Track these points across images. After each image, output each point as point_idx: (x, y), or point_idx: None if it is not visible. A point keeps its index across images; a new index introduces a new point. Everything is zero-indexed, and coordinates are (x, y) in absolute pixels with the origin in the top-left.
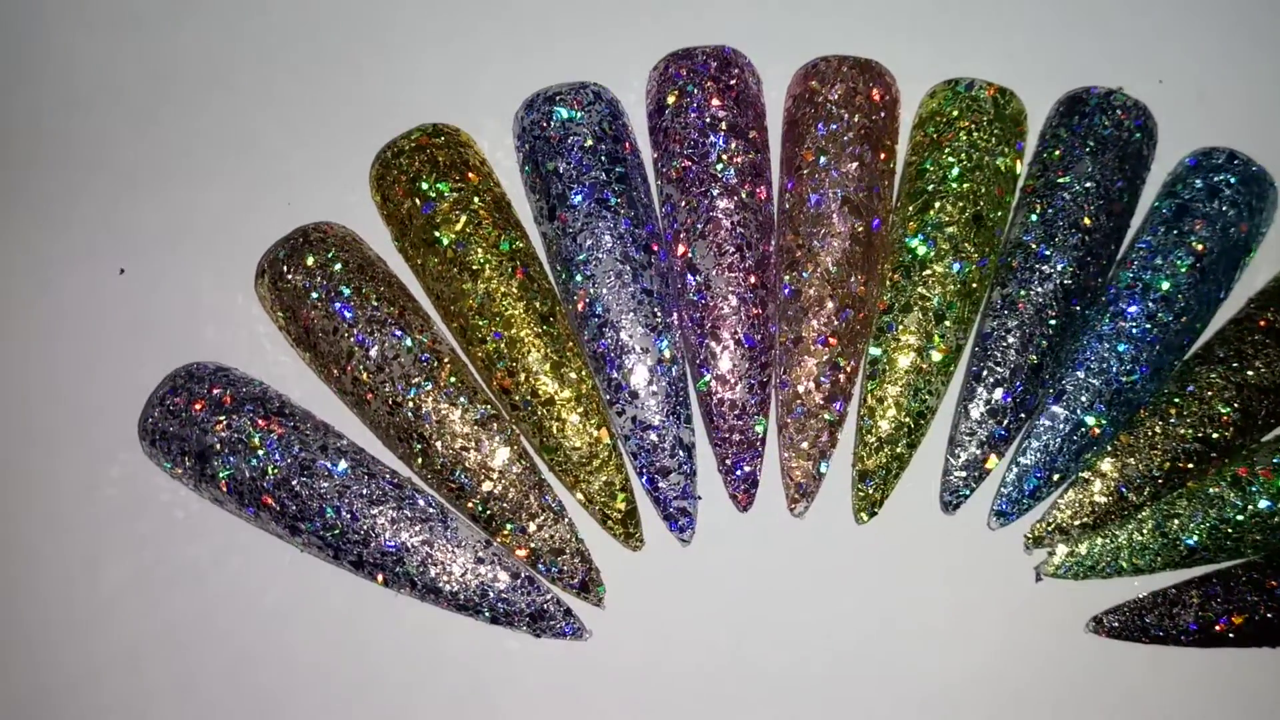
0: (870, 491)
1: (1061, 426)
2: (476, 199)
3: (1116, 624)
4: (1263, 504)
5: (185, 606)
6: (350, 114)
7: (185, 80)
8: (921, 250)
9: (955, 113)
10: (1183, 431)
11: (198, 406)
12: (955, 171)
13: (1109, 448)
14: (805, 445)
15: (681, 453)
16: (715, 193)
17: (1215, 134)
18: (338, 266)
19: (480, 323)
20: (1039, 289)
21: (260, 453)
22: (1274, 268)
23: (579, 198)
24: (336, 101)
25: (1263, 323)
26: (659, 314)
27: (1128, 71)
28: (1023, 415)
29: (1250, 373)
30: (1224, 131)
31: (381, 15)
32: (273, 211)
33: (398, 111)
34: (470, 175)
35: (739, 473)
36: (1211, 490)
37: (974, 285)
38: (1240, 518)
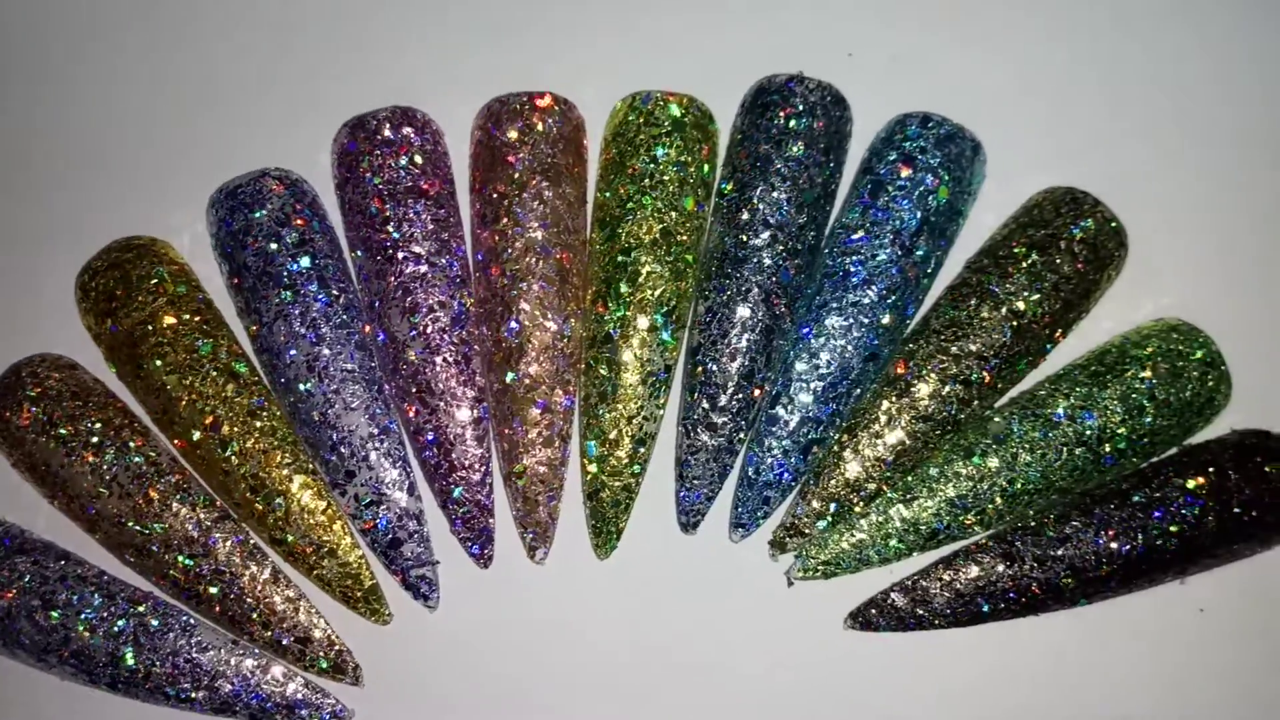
0: (606, 525)
1: (784, 429)
2: (170, 308)
3: (870, 616)
4: (992, 463)
5: None
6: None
7: None
8: (617, 276)
9: (638, 128)
10: (906, 418)
11: None
12: (640, 189)
13: (835, 443)
14: (534, 490)
15: (411, 523)
16: (401, 257)
17: (917, 98)
18: (53, 400)
19: (194, 425)
20: (740, 297)
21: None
22: (994, 223)
23: (272, 289)
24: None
25: (978, 284)
26: (367, 391)
27: (815, 49)
28: (744, 424)
29: (973, 346)
30: (927, 93)
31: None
32: None
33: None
34: (163, 286)
35: (474, 549)
36: (945, 468)
37: (675, 303)
38: (978, 487)
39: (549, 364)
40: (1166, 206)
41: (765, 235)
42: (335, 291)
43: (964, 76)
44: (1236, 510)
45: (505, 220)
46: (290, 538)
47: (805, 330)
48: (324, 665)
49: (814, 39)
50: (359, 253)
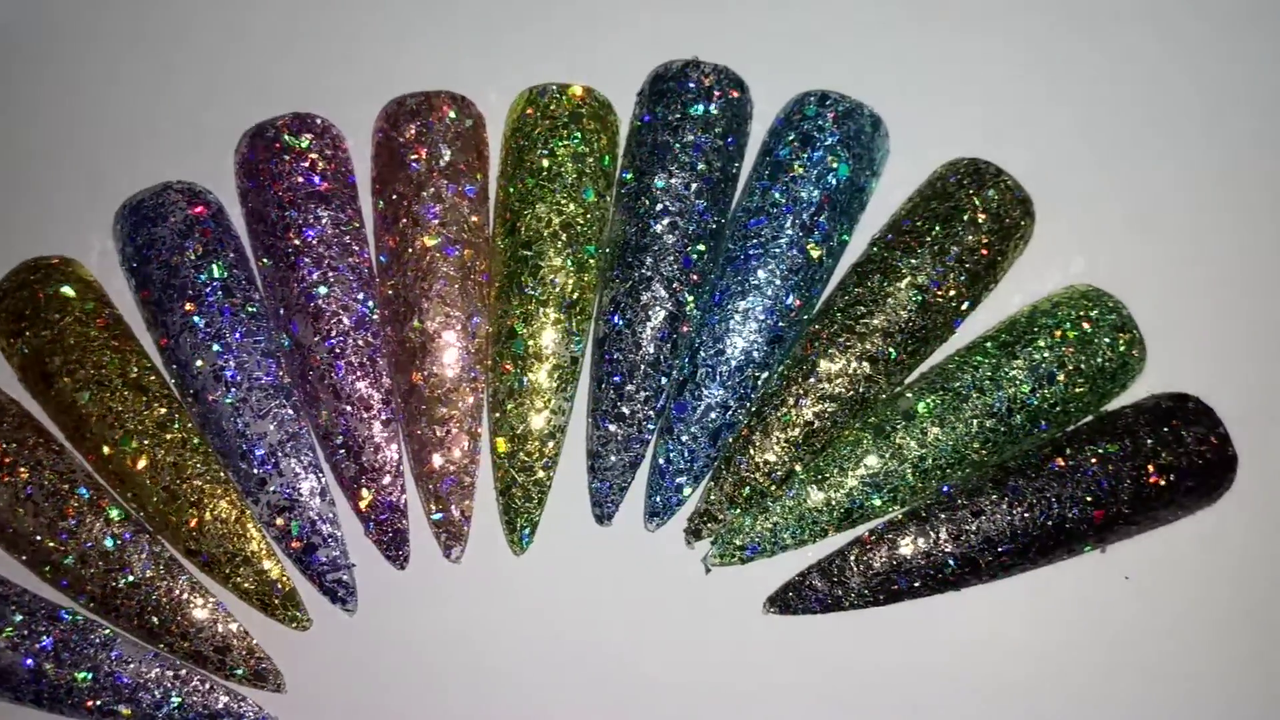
0: (520, 521)
1: (693, 416)
2: (78, 325)
3: (789, 600)
4: (903, 439)
5: None
6: None
7: None
8: (519, 271)
9: (536, 121)
10: (814, 399)
11: None
12: (539, 182)
13: (745, 428)
14: (446, 490)
15: (325, 527)
16: (303, 263)
17: (822, 78)
18: None
19: (105, 440)
20: (644, 285)
21: None
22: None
23: (177, 301)
24: None
25: (882, 260)
26: (276, 398)
27: (716, 34)
28: (652, 413)
29: (879, 323)
30: (832, 73)
31: None
32: None
33: None
34: (71, 304)
35: (392, 550)
36: (855, 447)
37: (577, 295)
38: (889, 464)
39: (455, 362)
40: (1075, 174)
41: (667, 222)
42: (241, 300)
43: (871, 54)
44: (1155, 476)
45: (405, 221)
46: (205, 548)
47: (711, 316)
48: (243, 674)
49: (715, 23)
50: (264, 260)
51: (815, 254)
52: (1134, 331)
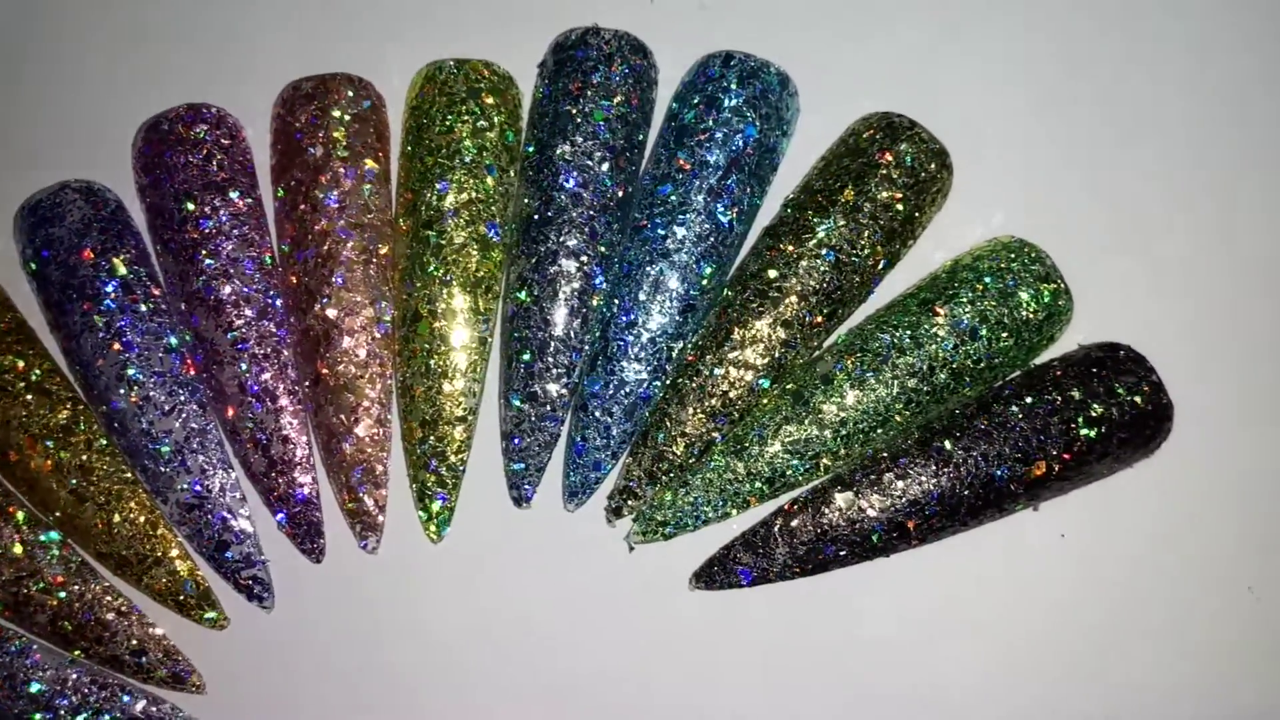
0: (438, 506)
1: (609, 392)
2: None
3: (715, 574)
4: (823, 404)
5: None
6: None
7: None
8: (422, 251)
9: (434, 98)
10: (730, 368)
11: None
12: (439, 160)
13: (661, 401)
14: (358, 479)
15: (237, 524)
16: (202, 255)
17: (734, 40)
18: None
19: (9, 445)
20: (550, 260)
21: None
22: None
23: (78, 301)
24: None
25: (794, 221)
26: (181, 395)
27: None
28: (567, 389)
29: (794, 286)
30: (743, 35)
31: None
32: None
33: None
34: None
35: (307, 544)
36: (774, 414)
37: (482, 274)
38: (809, 431)
39: (361, 349)
40: (995, 125)
41: (571, 194)
42: (142, 297)
43: (780, 11)
44: (1086, 429)
45: (304, 207)
46: (116, 550)
47: (621, 288)
48: (162, 676)
49: None
50: (165, 255)
51: (726, 219)
52: (1059, 281)
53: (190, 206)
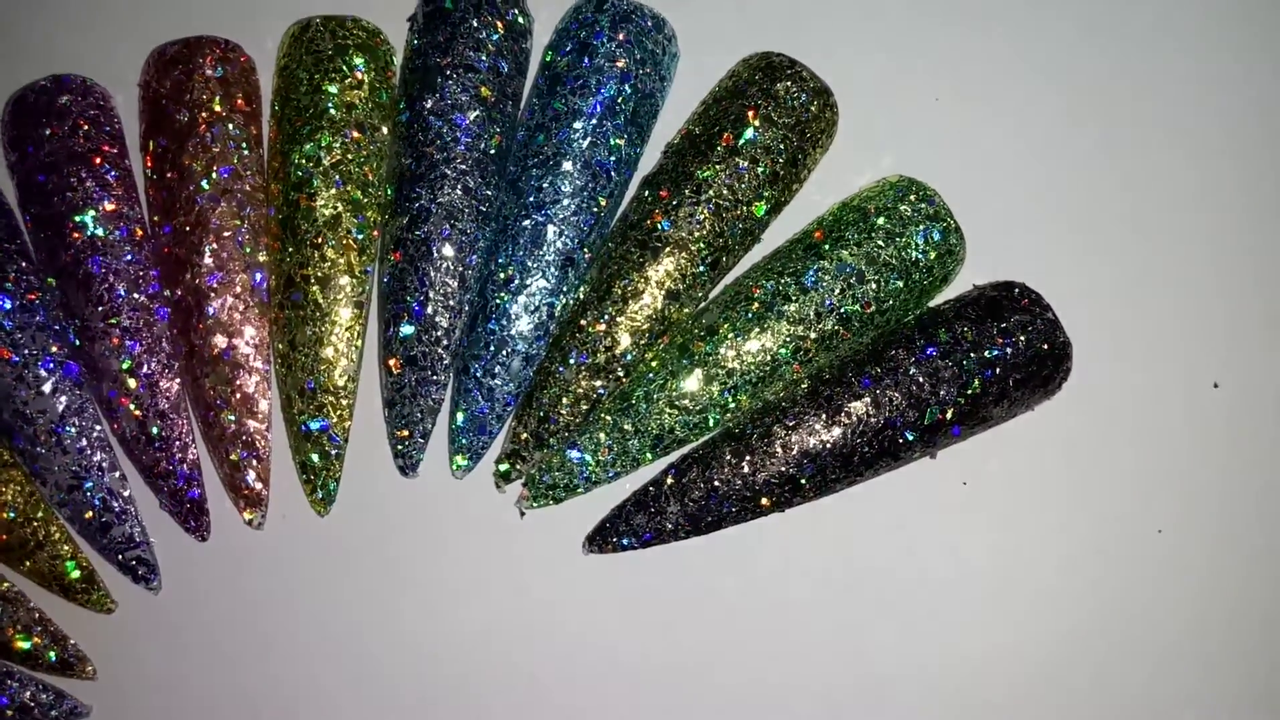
0: (319, 481)
1: (491, 353)
2: None
3: (608, 536)
4: (709, 356)
5: None
6: None
7: None
8: (293, 214)
9: (300, 58)
10: (614, 323)
11: None
12: (306, 120)
13: (545, 360)
14: (243, 452)
15: (117, 503)
16: (69, 228)
17: None
18: None
19: None
20: (425, 218)
21: None
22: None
23: None
24: None
25: (674, 169)
26: (56, 371)
27: None
28: (444, 350)
29: (672, 233)
30: None
31: None
32: None
33: None
34: None
35: (191, 522)
36: (660, 370)
37: (359, 236)
38: (697, 386)
39: (235, 317)
40: (880, 64)
41: (444, 149)
42: (13, 273)
43: None
44: (981, 371)
45: (172, 174)
46: None
47: (499, 243)
48: (51, 661)
49: None
50: (35, 230)
51: (603, 167)
52: (949, 220)
53: (55, 179)
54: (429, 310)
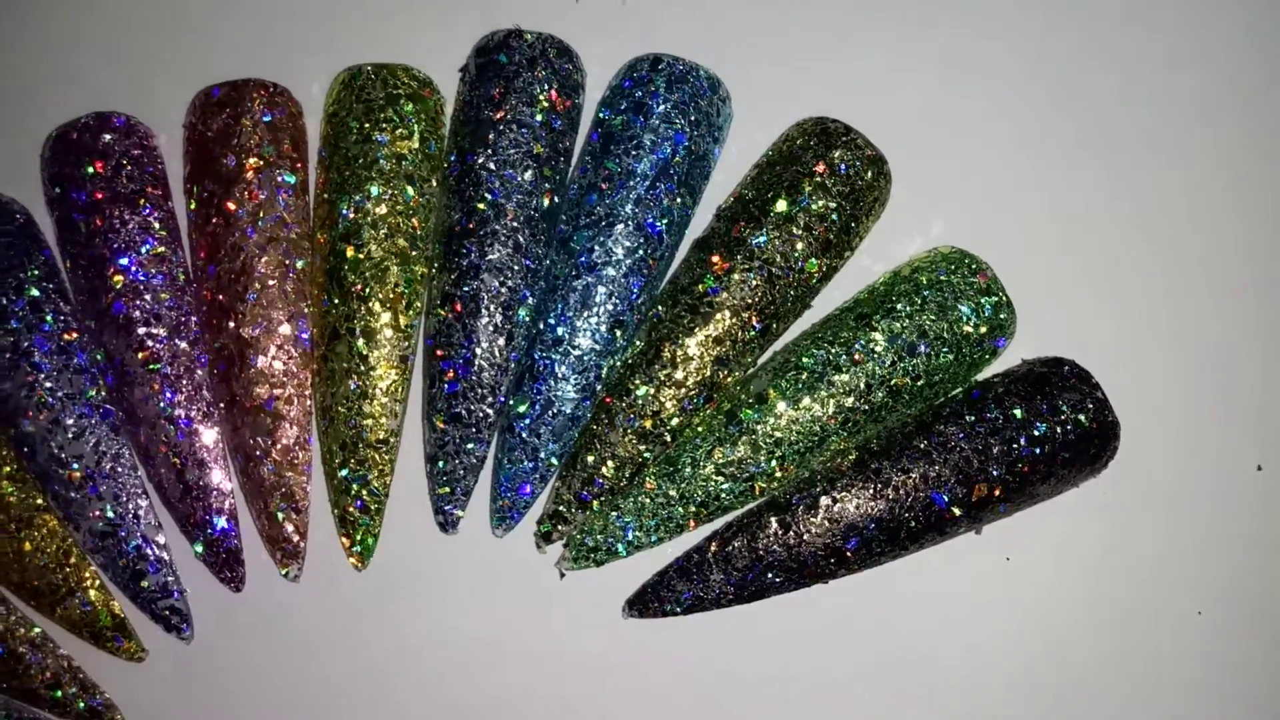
0: (359, 535)
1: (535, 413)
2: None
3: (649, 602)
4: (756, 424)
5: None
6: None
7: None
8: (340, 266)
9: (351, 105)
10: (662, 386)
11: None
12: (356, 170)
13: (591, 422)
14: (281, 503)
15: (152, 551)
16: (110, 271)
17: (664, 40)
18: None
19: None
20: (473, 274)
21: None
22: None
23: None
24: None
25: (735, 230)
26: (93, 418)
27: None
28: (492, 414)
29: (723, 298)
30: (674, 35)
31: None
32: None
33: None
34: None
35: (226, 572)
36: (707, 435)
37: (403, 289)
38: (743, 452)
39: (278, 367)
40: (932, 132)
41: (495, 205)
42: (51, 315)
43: (712, 14)
44: (1030, 449)
45: (217, 220)
46: (29, 579)
47: (547, 303)
48: (80, 710)
49: None
50: (74, 271)
51: (655, 230)
52: (1000, 294)
53: (98, 220)
54: (475, 368)
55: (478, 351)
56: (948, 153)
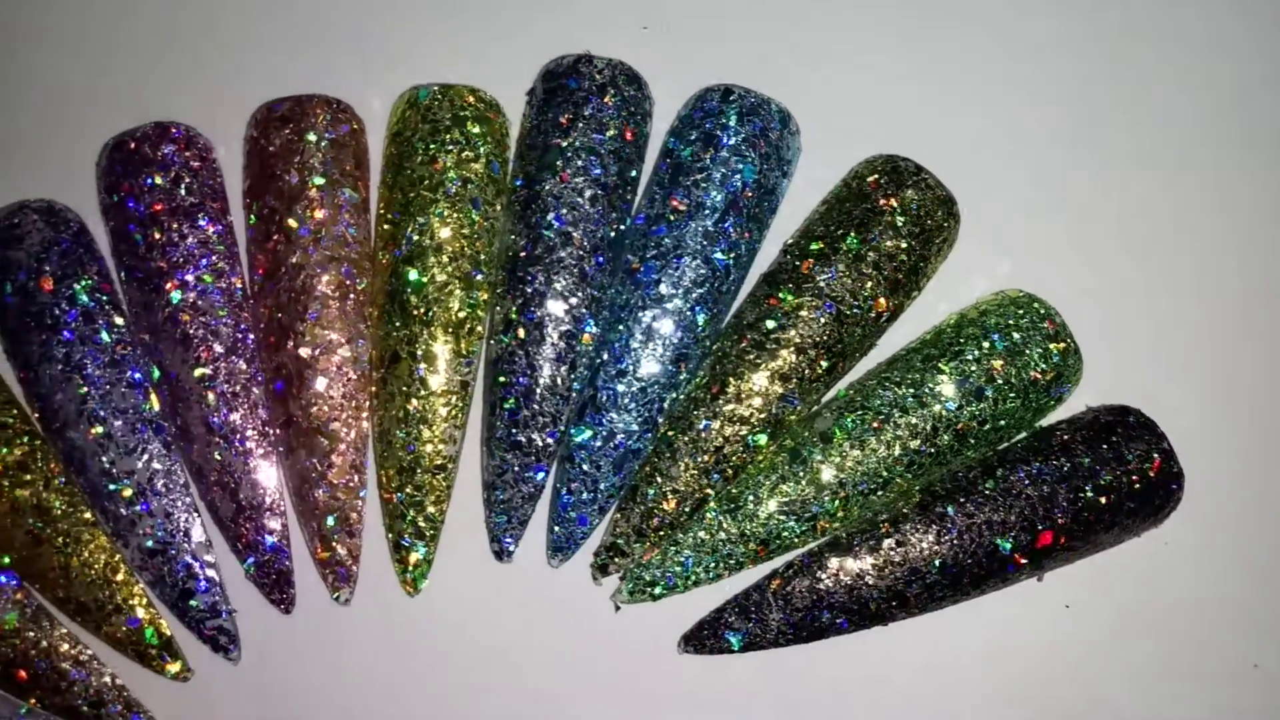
0: (418, 558)
1: (597, 444)
2: None
3: (704, 638)
4: (826, 475)
5: None
6: None
7: None
8: (402, 288)
9: (416, 125)
10: (725, 422)
11: None
12: (419, 192)
13: (652, 454)
14: (334, 526)
15: (202, 571)
16: (168, 285)
17: (728, 71)
18: None
19: None
20: (538, 301)
21: None
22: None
23: (35, 330)
24: None
25: (805, 267)
26: (145, 432)
27: (612, 26)
28: (551, 441)
29: (793, 337)
30: (738, 67)
31: None
32: None
33: None
34: None
35: (277, 594)
36: (770, 472)
37: (465, 314)
38: (806, 490)
39: (336, 389)
40: (1000, 171)
41: (560, 232)
42: (104, 327)
43: (783, 46)
44: (1094, 497)
45: (278, 236)
46: (75, 595)
47: (611, 333)
48: None
49: (612, 16)
50: (129, 284)
51: (722, 263)
52: (1068, 340)
53: (156, 233)
54: (536, 397)
55: (539, 380)
56: (1016, 192)
